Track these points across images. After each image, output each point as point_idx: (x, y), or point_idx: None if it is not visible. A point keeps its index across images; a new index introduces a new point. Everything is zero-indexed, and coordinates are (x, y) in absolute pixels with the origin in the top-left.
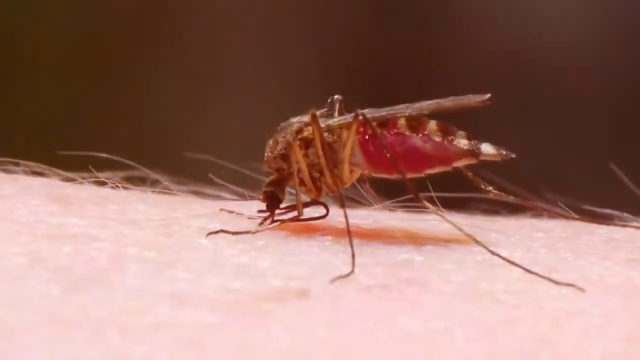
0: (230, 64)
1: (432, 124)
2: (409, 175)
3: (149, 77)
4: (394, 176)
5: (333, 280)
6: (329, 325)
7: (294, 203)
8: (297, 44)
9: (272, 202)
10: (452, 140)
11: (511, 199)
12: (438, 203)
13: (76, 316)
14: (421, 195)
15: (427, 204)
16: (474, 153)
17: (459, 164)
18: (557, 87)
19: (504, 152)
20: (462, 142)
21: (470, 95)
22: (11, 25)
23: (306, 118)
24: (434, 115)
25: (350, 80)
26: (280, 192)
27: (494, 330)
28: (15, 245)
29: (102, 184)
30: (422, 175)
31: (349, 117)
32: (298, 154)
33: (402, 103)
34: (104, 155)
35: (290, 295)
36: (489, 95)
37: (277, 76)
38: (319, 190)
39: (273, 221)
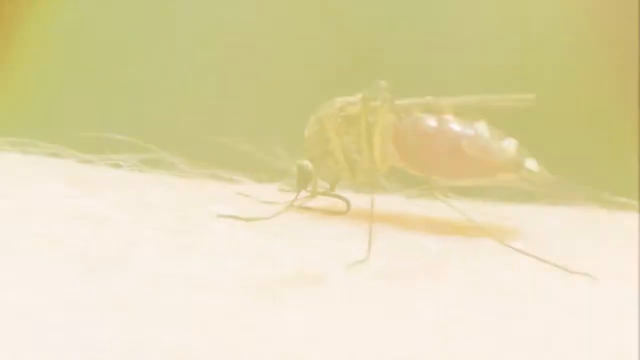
0: (251, 46)
1: (482, 123)
2: (441, 181)
3: (168, 57)
4: (425, 174)
5: (348, 266)
6: (343, 311)
7: (317, 191)
8: (312, 27)
9: (304, 177)
10: (500, 146)
11: (526, 187)
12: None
13: (91, 299)
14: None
15: (438, 194)
16: (518, 166)
17: (501, 177)
18: (566, 79)
19: (546, 174)
20: (511, 149)
21: (514, 95)
22: (27, 4)
23: (352, 99)
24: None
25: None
26: (314, 169)
27: (507, 319)
28: (32, 227)
29: (118, 166)
30: (452, 182)
31: (381, 102)
32: (336, 134)
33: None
34: (121, 137)
35: (305, 280)
36: (534, 95)
37: (298, 61)
38: (353, 172)
39: (290, 207)
